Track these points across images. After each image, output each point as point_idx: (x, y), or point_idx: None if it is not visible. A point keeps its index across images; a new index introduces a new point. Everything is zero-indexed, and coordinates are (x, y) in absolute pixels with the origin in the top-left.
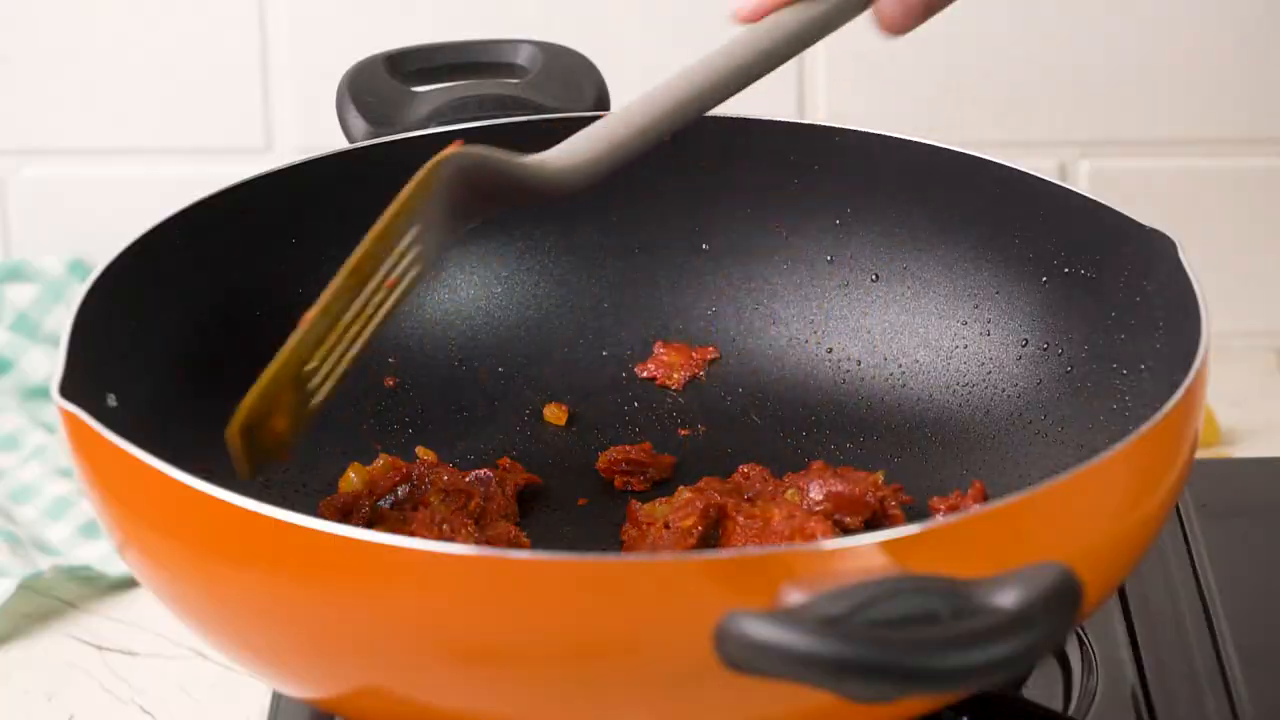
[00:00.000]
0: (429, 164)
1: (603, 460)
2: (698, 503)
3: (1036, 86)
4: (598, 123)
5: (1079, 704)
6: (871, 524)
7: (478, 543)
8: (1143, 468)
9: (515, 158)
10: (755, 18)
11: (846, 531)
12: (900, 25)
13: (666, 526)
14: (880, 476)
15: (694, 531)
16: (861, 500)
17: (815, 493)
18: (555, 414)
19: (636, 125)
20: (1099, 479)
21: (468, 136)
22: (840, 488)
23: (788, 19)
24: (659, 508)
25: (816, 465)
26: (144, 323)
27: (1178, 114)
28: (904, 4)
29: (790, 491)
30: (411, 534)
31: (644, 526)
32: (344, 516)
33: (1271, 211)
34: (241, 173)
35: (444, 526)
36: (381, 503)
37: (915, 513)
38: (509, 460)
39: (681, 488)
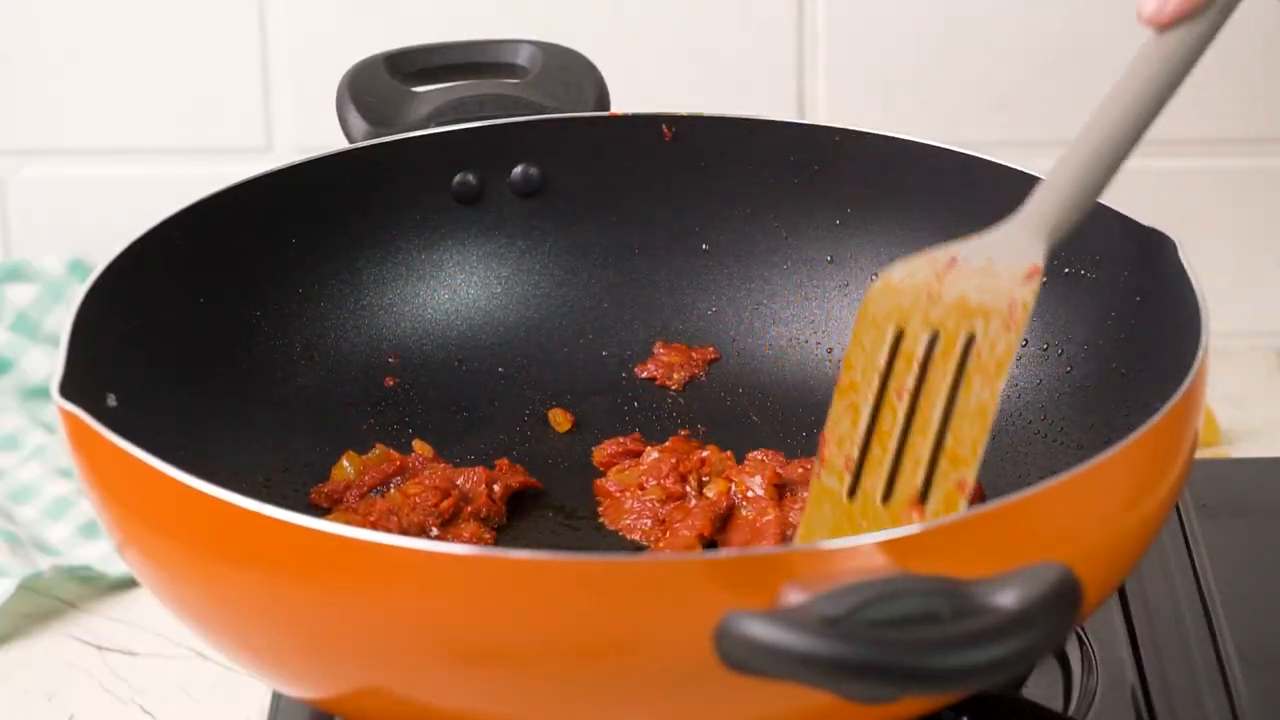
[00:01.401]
0: None
1: (598, 455)
2: (664, 465)
3: (1036, 86)
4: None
5: (1079, 704)
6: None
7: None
8: (1143, 468)
9: None
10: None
11: None
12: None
13: (641, 489)
14: None
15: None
16: None
17: None
18: (560, 420)
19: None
20: (1099, 479)
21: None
22: None
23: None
24: (628, 474)
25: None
26: (144, 323)
27: (1178, 114)
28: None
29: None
30: (372, 524)
31: (616, 496)
32: (334, 503)
33: (1271, 211)
34: (241, 173)
35: (398, 519)
36: (374, 493)
37: None
38: (508, 462)
39: (648, 447)
